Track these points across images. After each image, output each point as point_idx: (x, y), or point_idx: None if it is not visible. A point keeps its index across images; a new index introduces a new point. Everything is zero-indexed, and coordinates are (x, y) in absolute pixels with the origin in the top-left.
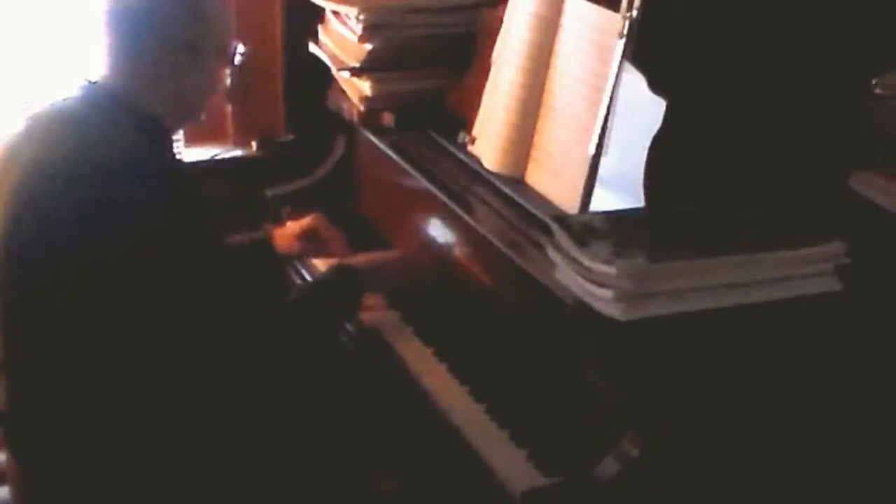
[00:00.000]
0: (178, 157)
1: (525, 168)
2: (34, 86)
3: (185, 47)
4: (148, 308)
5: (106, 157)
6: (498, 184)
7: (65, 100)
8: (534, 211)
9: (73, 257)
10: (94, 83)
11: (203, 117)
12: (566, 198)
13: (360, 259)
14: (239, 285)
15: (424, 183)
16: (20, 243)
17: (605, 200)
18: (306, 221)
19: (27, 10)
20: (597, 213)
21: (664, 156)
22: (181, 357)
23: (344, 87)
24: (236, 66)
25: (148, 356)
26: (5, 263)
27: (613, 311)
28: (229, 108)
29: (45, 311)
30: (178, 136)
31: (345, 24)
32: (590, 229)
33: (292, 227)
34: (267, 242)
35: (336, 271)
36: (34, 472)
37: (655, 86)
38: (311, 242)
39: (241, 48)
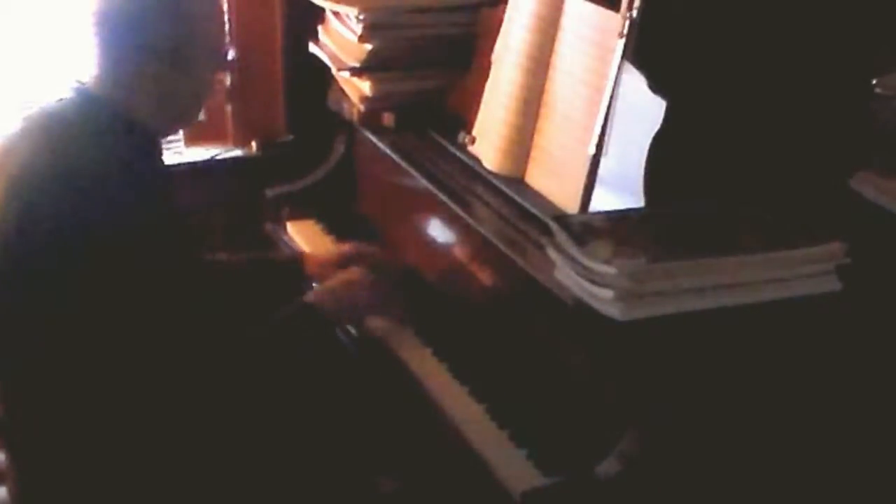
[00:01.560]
0: (162, 162)
1: (525, 168)
2: (34, 86)
3: (170, 52)
4: (118, 313)
5: (80, 164)
6: (498, 184)
7: (58, 101)
8: (534, 211)
9: (49, 261)
10: (84, 85)
11: (202, 118)
12: (566, 198)
13: (325, 292)
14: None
15: (424, 183)
16: (8, 247)
17: (605, 200)
18: (344, 249)
19: (27, 11)
20: (597, 213)
21: (664, 155)
22: (155, 361)
23: (344, 87)
24: (233, 68)
25: (125, 359)
26: None
27: (613, 310)
28: (229, 108)
29: (30, 312)
30: (179, 136)
31: (345, 24)
32: (590, 229)
33: (328, 255)
34: (298, 266)
35: (299, 311)
36: (31, 472)
37: (655, 85)
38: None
39: (231, 54)
